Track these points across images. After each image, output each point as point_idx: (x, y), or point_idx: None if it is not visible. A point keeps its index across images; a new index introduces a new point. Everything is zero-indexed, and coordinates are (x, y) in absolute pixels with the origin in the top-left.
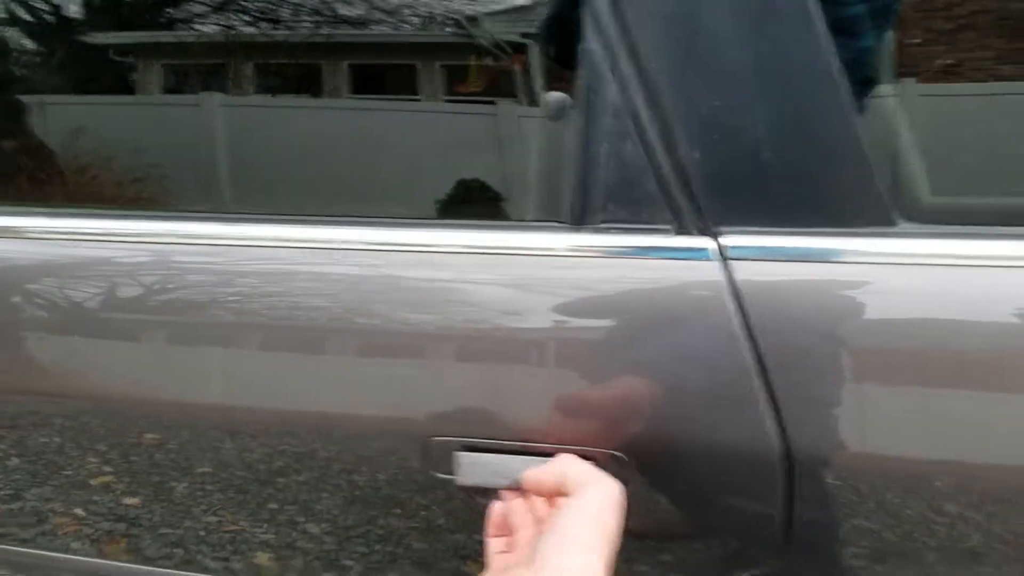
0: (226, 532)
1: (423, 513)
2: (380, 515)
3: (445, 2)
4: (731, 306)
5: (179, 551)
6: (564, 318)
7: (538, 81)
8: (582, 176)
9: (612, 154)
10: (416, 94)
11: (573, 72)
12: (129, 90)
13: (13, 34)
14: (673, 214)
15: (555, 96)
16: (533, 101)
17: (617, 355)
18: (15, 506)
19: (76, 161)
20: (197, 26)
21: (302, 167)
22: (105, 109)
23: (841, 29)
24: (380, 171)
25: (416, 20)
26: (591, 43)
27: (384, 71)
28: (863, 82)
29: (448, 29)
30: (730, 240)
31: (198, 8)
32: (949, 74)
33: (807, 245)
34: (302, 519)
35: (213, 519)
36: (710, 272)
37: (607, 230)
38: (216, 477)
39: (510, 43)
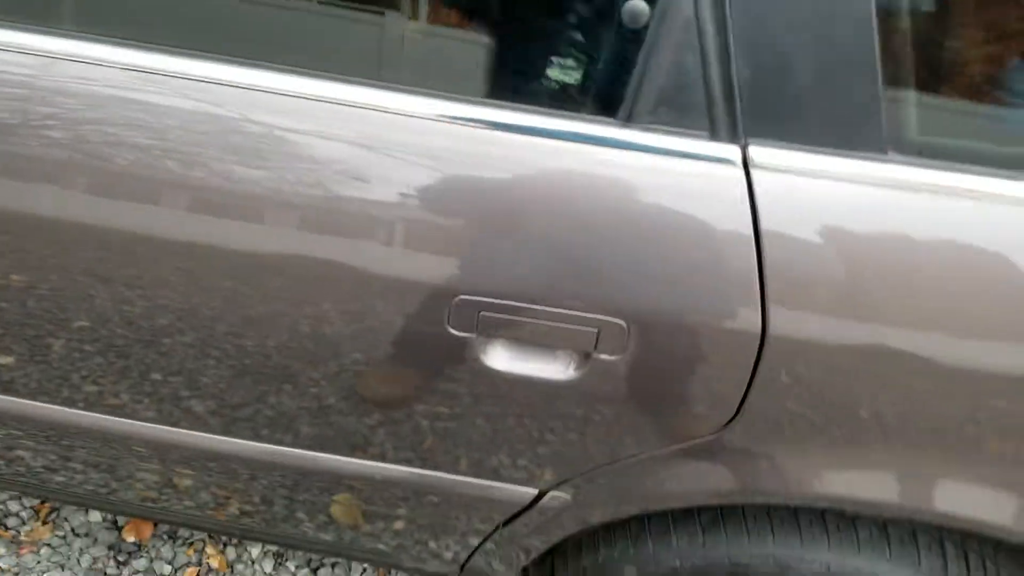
0: (107, 405)
1: (313, 390)
2: (271, 391)
3: None
4: (747, 203)
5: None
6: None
7: None
8: (642, 79)
9: (675, 63)
10: None
11: None
12: None
13: None
14: (711, 122)
15: (637, 5)
16: None
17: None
18: None
19: None
20: None
21: None
22: None
23: None
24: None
25: None
26: None
27: None
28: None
29: None
30: (755, 150)
31: None
32: None
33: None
34: (187, 393)
35: (93, 388)
36: (734, 175)
37: (653, 130)
38: (95, 334)
39: None
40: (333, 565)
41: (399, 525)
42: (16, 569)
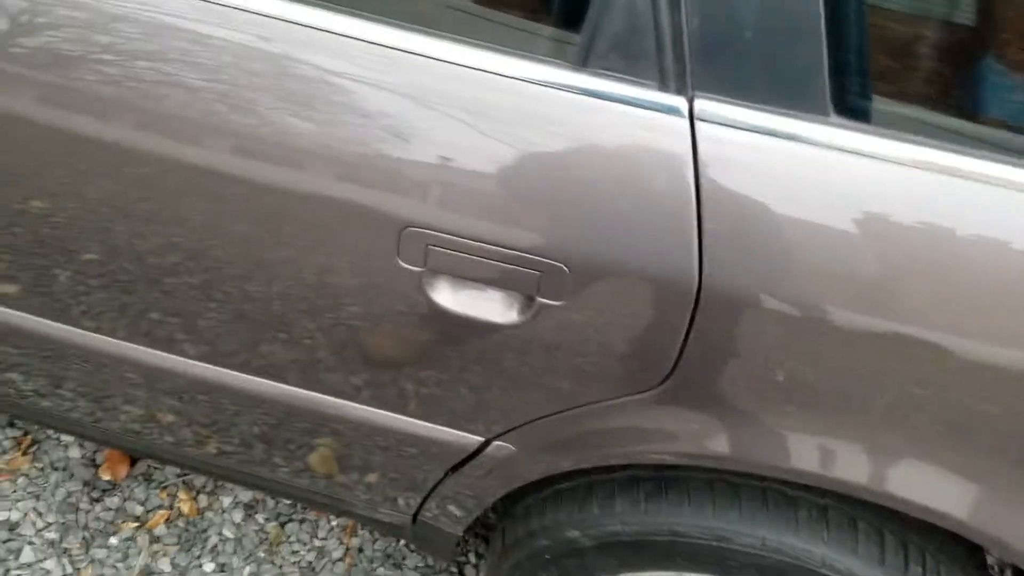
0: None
1: (307, 341)
2: (265, 339)
3: None
4: (690, 156)
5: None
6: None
7: None
8: (595, 25)
9: (628, 8)
10: None
11: None
12: None
13: None
14: (660, 72)
15: None
16: None
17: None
18: None
19: None
20: None
21: None
22: None
23: None
24: None
25: None
26: None
27: None
28: None
29: None
30: (701, 104)
31: None
32: None
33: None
34: (182, 336)
35: (90, 323)
36: (680, 127)
37: (604, 76)
38: (103, 267)
39: None
40: (301, 521)
41: (355, 470)
42: None
